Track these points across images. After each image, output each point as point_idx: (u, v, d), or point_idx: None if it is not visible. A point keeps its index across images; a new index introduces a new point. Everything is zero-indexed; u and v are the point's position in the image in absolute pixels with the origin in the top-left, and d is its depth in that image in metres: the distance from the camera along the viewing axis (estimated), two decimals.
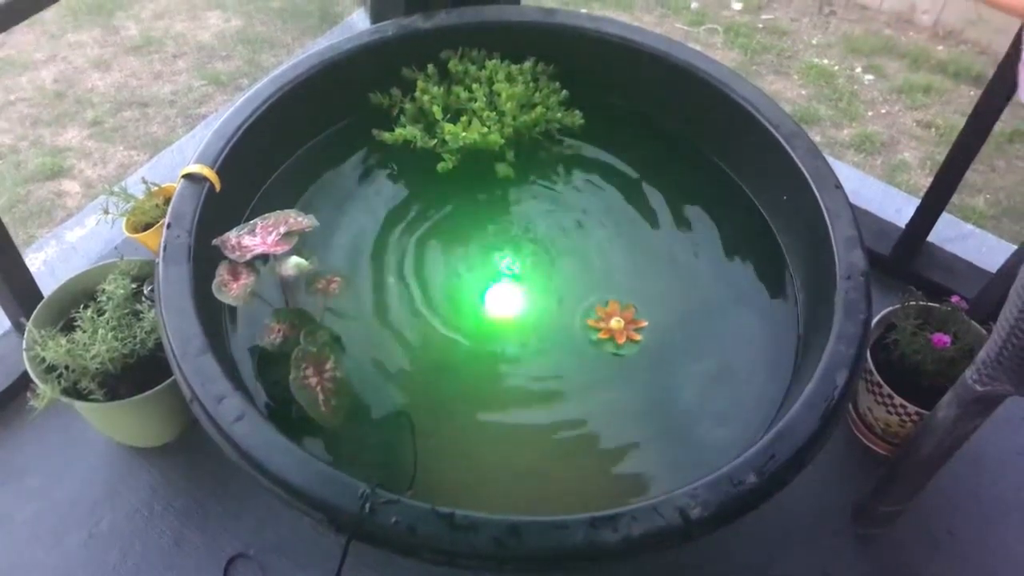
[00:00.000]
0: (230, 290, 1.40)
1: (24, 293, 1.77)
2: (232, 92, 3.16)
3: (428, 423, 1.54)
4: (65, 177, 2.77)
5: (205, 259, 1.51)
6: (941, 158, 1.95)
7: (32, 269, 1.89)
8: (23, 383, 1.73)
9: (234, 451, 1.32)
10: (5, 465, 1.76)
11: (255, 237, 1.45)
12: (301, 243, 1.45)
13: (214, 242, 1.46)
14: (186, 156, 2.27)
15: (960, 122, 1.86)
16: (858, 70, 3.63)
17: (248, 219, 1.73)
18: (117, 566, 1.64)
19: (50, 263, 2.05)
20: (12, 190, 2.69)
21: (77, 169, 2.80)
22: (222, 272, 1.42)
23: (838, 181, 1.67)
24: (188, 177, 1.62)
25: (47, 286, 1.84)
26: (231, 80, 3.24)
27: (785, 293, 1.71)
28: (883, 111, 3.43)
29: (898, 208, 2.28)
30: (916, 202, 2.13)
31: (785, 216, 1.78)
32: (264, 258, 1.45)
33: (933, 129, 3.33)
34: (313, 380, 1.40)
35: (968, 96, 3.46)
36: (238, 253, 1.42)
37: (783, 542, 1.74)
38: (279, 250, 1.41)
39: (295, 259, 1.38)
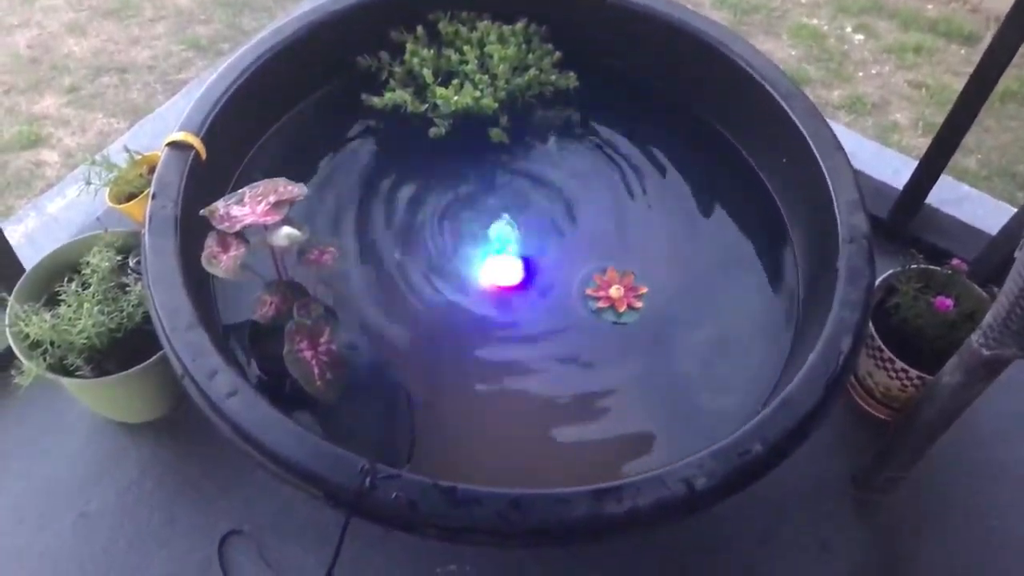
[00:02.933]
0: (220, 262, 1.35)
1: (4, 267, 1.71)
2: (213, 57, 3.09)
3: (425, 395, 1.51)
4: (43, 146, 2.70)
5: (192, 230, 1.46)
6: (933, 119, 1.93)
7: (12, 242, 1.84)
8: (4, 360, 1.68)
9: (228, 428, 1.29)
10: None
11: (244, 207, 1.40)
12: (291, 212, 1.40)
13: (201, 212, 1.41)
14: (168, 123, 2.21)
15: (952, 82, 1.83)
16: (848, 30, 3.59)
17: (235, 188, 1.68)
18: (108, 547, 1.61)
19: (31, 235, 2.00)
20: None
21: (55, 138, 2.73)
22: (211, 244, 1.37)
23: (839, 143, 1.64)
24: (172, 145, 1.57)
25: (28, 259, 1.79)
26: (211, 44, 3.16)
27: (785, 257, 1.68)
28: (874, 71, 3.39)
29: (895, 170, 2.25)
30: (913, 163, 2.11)
31: (784, 179, 1.75)
32: (254, 228, 1.40)
33: (924, 89, 3.30)
34: (308, 354, 1.36)
35: (959, 55, 3.43)
36: (227, 224, 1.37)
37: (781, 509, 1.73)
38: (269, 220, 1.36)
39: (287, 229, 1.33)
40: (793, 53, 3.45)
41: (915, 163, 2.09)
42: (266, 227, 1.37)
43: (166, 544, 1.62)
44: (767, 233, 1.73)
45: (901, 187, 2.12)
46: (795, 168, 1.69)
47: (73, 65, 3.03)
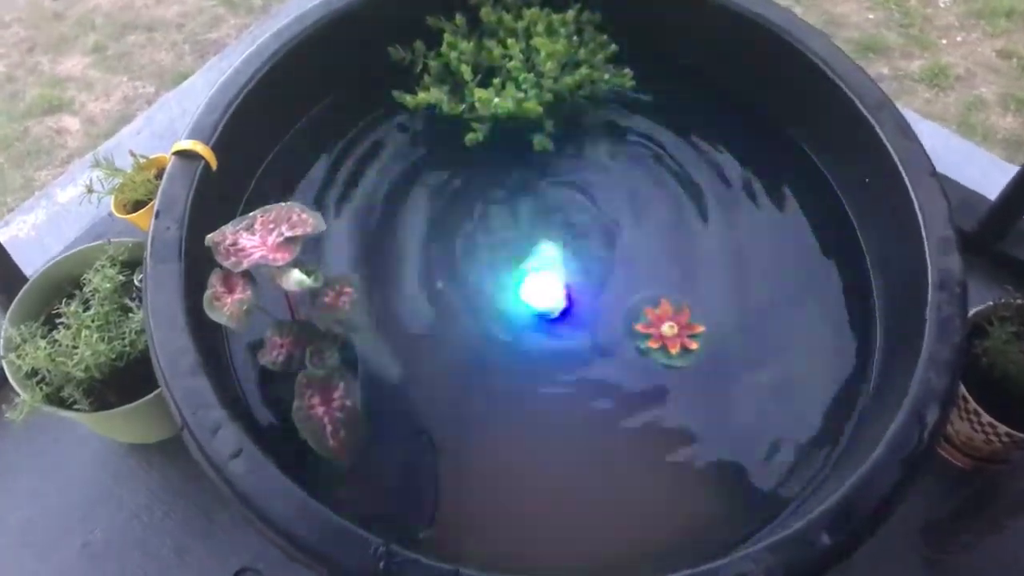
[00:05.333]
0: (223, 305, 1.20)
1: (5, 279, 1.59)
2: (244, 14, 2.91)
3: (451, 438, 1.37)
4: (65, 111, 2.57)
5: (200, 254, 1.31)
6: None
7: (20, 235, 1.72)
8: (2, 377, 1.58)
9: (231, 492, 1.16)
10: None
11: (254, 236, 1.25)
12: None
13: (207, 241, 1.26)
14: (191, 102, 2.06)
15: None
16: None
17: (249, 202, 1.54)
18: None
19: (40, 228, 1.87)
20: (8, 126, 2.50)
21: (78, 102, 2.59)
22: (215, 283, 1.22)
23: (932, 166, 1.43)
24: (180, 155, 1.41)
25: (35, 258, 1.68)
26: (243, 0, 2.98)
27: (862, 295, 1.49)
28: (959, 39, 3.11)
29: (984, 172, 2.02)
30: (1007, 167, 1.88)
31: (866, 203, 1.54)
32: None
33: (1015, 60, 3.01)
34: (320, 410, 1.22)
35: None
36: (233, 259, 1.22)
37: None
38: (280, 258, 1.20)
39: (297, 275, 1.18)
40: (871, 17, 3.17)
41: (1010, 167, 1.87)
42: (277, 267, 1.22)
43: None
44: (842, 264, 1.53)
45: (992, 192, 1.89)
46: (879, 191, 1.48)
47: (99, 21, 2.87)
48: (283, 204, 1.28)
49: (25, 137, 2.48)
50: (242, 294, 1.20)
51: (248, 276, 1.22)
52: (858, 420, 1.37)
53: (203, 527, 1.56)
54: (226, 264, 1.22)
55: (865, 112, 1.49)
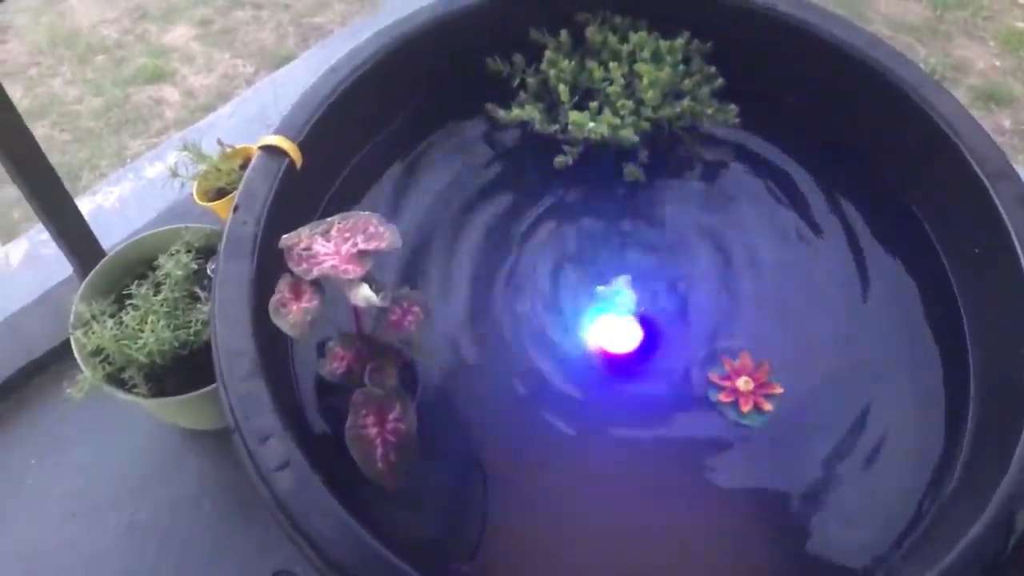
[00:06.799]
0: (288, 312, 1.17)
1: (84, 251, 1.60)
2: (351, 1, 2.90)
3: (504, 474, 1.33)
4: (166, 82, 2.59)
5: (274, 254, 1.29)
6: None
7: (105, 206, 1.73)
8: (65, 348, 1.59)
9: (272, 503, 1.14)
10: (47, 434, 1.63)
11: (329, 243, 1.22)
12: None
13: (281, 243, 1.23)
14: (284, 92, 2.06)
15: None
16: None
17: (328, 203, 1.52)
18: (155, 564, 1.51)
19: (125, 201, 1.88)
20: (111, 91, 2.54)
21: (179, 75, 2.62)
22: (283, 288, 1.19)
23: None
24: (266, 149, 1.39)
25: (116, 229, 1.69)
26: None
27: (958, 373, 1.39)
28: None
29: None
30: None
31: (973, 275, 1.44)
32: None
33: None
34: (372, 431, 1.18)
35: None
36: (304, 266, 1.19)
37: None
38: (351, 273, 1.17)
39: (365, 291, 1.14)
40: (998, 64, 3.00)
41: None
42: (347, 279, 1.19)
43: (212, 572, 1.51)
44: (940, 337, 1.43)
45: None
46: (989, 264, 1.39)
47: None
48: (362, 213, 1.25)
49: (125, 104, 2.52)
50: (308, 303, 1.17)
51: (317, 284, 1.19)
52: (938, 509, 1.27)
53: (243, 522, 1.55)
54: (297, 270, 1.19)
55: (984, 179, 1.39)
